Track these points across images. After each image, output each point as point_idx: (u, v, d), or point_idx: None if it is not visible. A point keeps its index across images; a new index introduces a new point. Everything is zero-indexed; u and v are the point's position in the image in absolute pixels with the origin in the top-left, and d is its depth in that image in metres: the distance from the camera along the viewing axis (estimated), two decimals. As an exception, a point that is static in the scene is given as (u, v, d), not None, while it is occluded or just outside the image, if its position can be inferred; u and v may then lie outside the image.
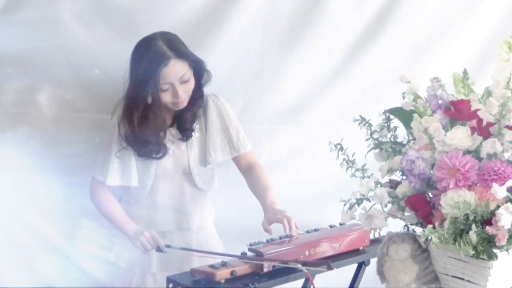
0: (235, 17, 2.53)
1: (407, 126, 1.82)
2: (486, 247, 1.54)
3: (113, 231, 2.41)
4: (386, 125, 1.85)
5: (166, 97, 2.22)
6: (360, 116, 1.86)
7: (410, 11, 2.64)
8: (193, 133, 2.35)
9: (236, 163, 2.43)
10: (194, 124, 2.35)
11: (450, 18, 2.68)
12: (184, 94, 2.24)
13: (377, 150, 1.85)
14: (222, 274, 1.89)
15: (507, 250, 1.58)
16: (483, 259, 1.58)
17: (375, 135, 1.85)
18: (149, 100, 2.19)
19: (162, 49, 2.18)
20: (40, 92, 2.49)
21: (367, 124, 1.85)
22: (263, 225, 2.18)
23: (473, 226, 1.52)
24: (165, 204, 2.36)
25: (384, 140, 1.85)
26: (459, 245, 1.53)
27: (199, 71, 2.29)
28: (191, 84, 2.25)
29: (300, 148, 2.69)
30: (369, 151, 1.86)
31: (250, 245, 2.03)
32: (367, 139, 1.86)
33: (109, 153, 2.29)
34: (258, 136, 2.64)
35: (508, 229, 1.52)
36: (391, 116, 1.86)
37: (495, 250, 1.57)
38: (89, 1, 2.45)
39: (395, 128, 1.86)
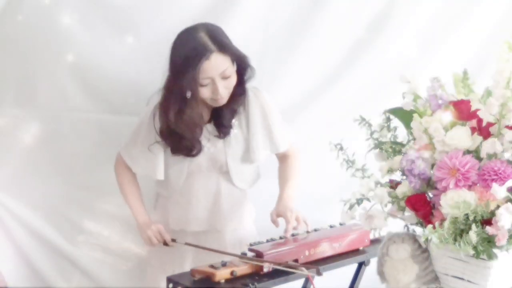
0: (235, 17, 2.53)
1: (407, 126, 1.82)
2: (486, 247, 1.54)
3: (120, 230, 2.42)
4: (386, 125, 1.85)
5: (205, 93, 2.11)
6: (360, 116, 1.86)
7: (410, 11, 2.65)
8: (231, 130, 2.24)
9: (275, 154, 2.37)
10: (233, 121, 2.24)
11: (450, 18, 2.68)
12: (225, 90, 2.12)
13: (377, 150, 1.85)
14: (222, 274, 1.89)
15: (507, 250, 1.58)
16: (483, 259, 1.58)
17: (375, 135, 1.85)
18: (188, 94, 2.09)
19: (204, 41, 2.06)
20: (40, 92, 2.49)
21: (367, 124, 1.85)
22: (271, 216, 2.17)
23: (473, 226, 1.52)
24: (199, 202, 2.27)
25: (384, 140, 1.85)
26: (459, 245, 1.53)
27: (242, 66, 2.17)
28: (233, 80, 2.14)
29: (300, 148, 2.69)
30: (369, 151, 1.86)
31: (250, 245, 2.03)
32: (367, 139, 1.86)
33: (137, 138, 2.24)
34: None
35: (508, 229, 1.52)
36: (391, 116, 1.86)
37: (495, 250, 1.57)
38: (89, 0, 2.45)
39: (395, 128, 1.86)
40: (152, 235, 2.17)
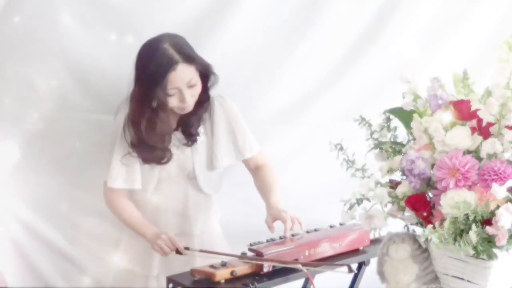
0: (235, 17, 2.53)
1: (407, 126, 1.82)
2: (486, 247, 1.54)
3: (118, 230, 2.41)
4: (386, 125, 1.85)
5: (173, 102, 2.17)
6: (360, 116, 1.86)
7: (410, 11, 2.64)
8: (198, 138, 2.30)
9: (245, 163, 2.42)
10: (200, 129, 2.31)
11: (450, 18, 2.67)
12: (191, 98, 2.19)
13: (377, 150, 1.85)
14: (222, 274, 1.89)
15: (507, 250, 1.58)
16: (483, 259, 1.59)
17: (375, 135, 1.85)
18: (156, 105, 2.15)
19: (169, 53, 2.13)
20: (40, 92, 2.48)
21: (367, 124, 1.85)
22: (267, 222, 2.18)
23: (473, 226, 1.52)
24: (168, 208, 2.33)
25: (384, 140, 1.85)
26: (459, 245, 1.53)
27: (205, 74, 2.24)
28: (198, 88, 2.21)
29: (300, 148, 2.69)
30: (369, 151, 1.86)
31: (250, 245, 2.03)
32: (367, 139, 1.86)
33: (112, 154, 2.27)
34: (258, 136, 2.62)
35: (508, 229, 1.52)
36: (391, 116, 1.86)
37: (495, 250, 1.57)
38: (89, 1, 2.45)
39: (395, 128, 1.86)
40: (164, 244, 2.16)
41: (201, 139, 2.31)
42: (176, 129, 2.30)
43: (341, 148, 1.84)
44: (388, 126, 1.85)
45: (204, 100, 2.27)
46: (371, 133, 1.85)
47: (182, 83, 2.15)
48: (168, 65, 2.11)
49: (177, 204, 2.34)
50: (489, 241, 1.54)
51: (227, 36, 2.54)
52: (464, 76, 1.75)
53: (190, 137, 2.29)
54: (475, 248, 1.54)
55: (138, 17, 2.47)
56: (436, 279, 1.72)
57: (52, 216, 2.54)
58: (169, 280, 1.94)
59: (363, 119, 1.85)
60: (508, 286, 1.66)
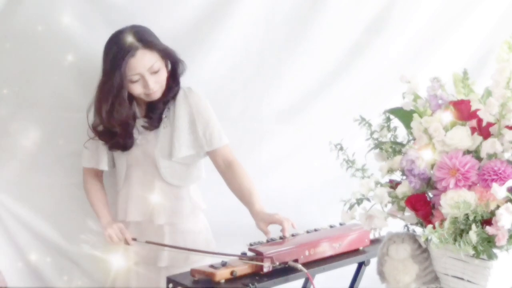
0: (235, 17, 2.53)
1: (407, 126, 1.82)
2: (486, 247, 1.55)
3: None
4: (386, 125, 1.85)
5: (137, 89, 2.23)
6: (360, 116, 1.86)
7: (410, 11, 2.64)
8: (161, 124, 2.32)
9: (212, 159, 2.37)
10: (163, 116, 2.33)
11: (450, 18, 2.68)
12: (156, 84, 2.23)
13: (377, 150, 1.85)
14: (222, 274, 1.89)
15: (507, 250, 1.58)
16: (483, 259, 1.59)
17: (375, 135, 1.85)
18: (118, 91, 2.20)
19: (129, 40, 2.19)
20: (40, 92, 2.48)
21: (367, 124, 1.85)
22: (261, 229, 2.17)
23: (473, 226, 1.53)
24: (137, 194, 2.36)
25: (384, 140, 1.85)
26: (459, 245, 1.53)
27: (172, 61, 2.28)
28: (163, 74, 2.25)
29: (300, 148, 2.69)
30: (369, 151, 1.86)
31: (250, 245, 2.03)
32: (367, 139, 1.86)
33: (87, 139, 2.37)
34: (258, 136, 2.64)
35: (508, 229, 1.52)
36: (391, 116, 1.86)
37: (495, 250, 1.57)
38: (90, 1, 2.45)
39: (395, 128, 1.86)
40: (113, 233, 2.25)
41: (164, 127, 2.33)
42: (144, 116, 2.34)
43: (341, 148, 1.84)
44: (388, 126, 1.86)
45: (173, 86, 2.31)
46: (371, 133, 1.85)
47: (144, 69, 2.19)
48: (127, 51, 2.17)
49: (144, 190, 2.36)
50: (489, 241, 1.54)
51: (227, 36, 2.54)
52: (464, 76, 1.75)
53: (151, 121, 2.32)
54: (475, 248, 1.54)
55: (138, 17, 2.46)
56: (436, 279, 1.72)
57: (52, 215, 2.54)
58: (169, 280, 1.94)
59: (363, 119, 1.85)
60: (508, 286, 1.66)
